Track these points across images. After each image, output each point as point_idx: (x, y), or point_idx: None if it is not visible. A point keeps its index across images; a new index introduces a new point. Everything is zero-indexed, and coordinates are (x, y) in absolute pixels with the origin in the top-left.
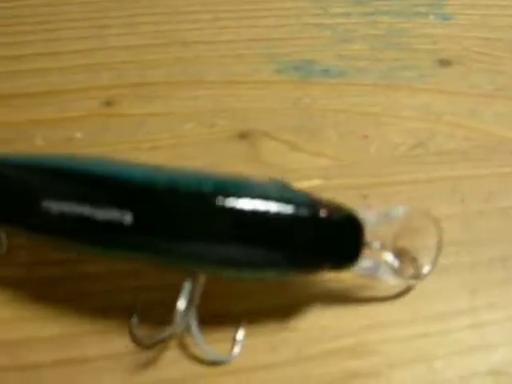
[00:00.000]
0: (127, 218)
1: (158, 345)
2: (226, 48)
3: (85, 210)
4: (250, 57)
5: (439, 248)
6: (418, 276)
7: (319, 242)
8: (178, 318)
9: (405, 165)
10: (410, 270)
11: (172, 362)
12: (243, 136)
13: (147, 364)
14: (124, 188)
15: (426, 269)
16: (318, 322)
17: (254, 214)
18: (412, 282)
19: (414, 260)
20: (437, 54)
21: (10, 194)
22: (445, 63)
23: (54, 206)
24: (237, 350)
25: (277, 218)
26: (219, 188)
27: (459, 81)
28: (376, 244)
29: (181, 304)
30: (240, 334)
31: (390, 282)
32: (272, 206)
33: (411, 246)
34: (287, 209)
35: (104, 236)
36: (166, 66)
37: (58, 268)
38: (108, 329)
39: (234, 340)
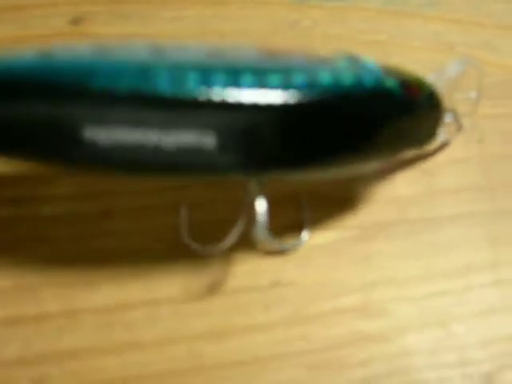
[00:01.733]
0: (209, 140)
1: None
2: None
3: (148, 137)
4: None
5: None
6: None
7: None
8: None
9: None
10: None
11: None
12: None
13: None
14: (200, 105)
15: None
16: (317, 275)
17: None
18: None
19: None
20: None
21: (33, 121)
22: None
23: (103, 135)
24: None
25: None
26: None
27: (473, 10)
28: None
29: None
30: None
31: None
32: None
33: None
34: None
35: (173, 166)
36: None
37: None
38: (71, 280)
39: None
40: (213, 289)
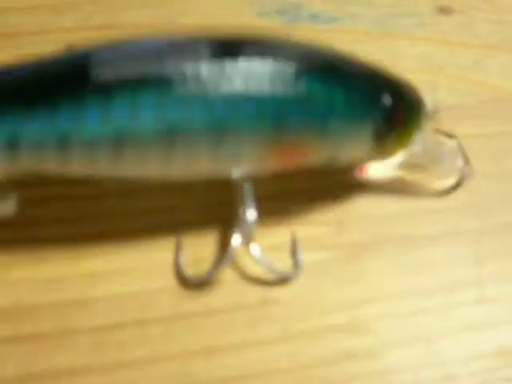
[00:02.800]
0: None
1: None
2: None
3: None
4: None
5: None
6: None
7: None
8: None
9: None
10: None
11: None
12: None
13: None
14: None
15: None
16: (304, 294)
17: None
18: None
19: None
20: (437, 1)
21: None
22: (445, 11)
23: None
24: (300, 258)
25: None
26: None
27: (462, 30)
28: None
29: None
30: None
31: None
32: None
33: None
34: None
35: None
36: (136, 7)
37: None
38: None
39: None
40: (202, 307)
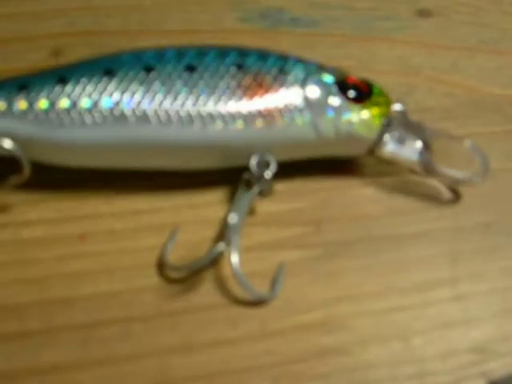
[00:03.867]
0: None
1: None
2: None
3: None
4: (212, 3)
5: None
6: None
7: None
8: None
9: None
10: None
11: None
12: None
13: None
14: None
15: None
16: (282, 292)
17: None
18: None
19: None
20: (416, 4)
21: None
22: (425, 14)
23: None
24: (279, 287)
25: None
26: None
27: (440, 33)
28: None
29: (232, 218)
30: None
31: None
32: None
33: None
34: None
35: None
36: (122, 13)
37: None
38: (51, 299)
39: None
40: (183, 305)
